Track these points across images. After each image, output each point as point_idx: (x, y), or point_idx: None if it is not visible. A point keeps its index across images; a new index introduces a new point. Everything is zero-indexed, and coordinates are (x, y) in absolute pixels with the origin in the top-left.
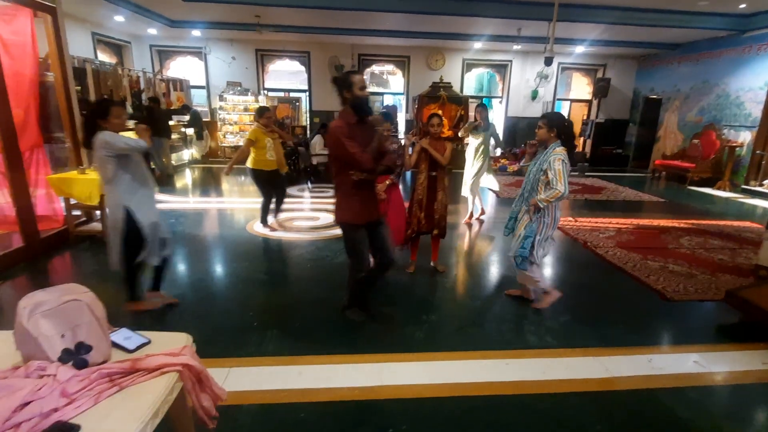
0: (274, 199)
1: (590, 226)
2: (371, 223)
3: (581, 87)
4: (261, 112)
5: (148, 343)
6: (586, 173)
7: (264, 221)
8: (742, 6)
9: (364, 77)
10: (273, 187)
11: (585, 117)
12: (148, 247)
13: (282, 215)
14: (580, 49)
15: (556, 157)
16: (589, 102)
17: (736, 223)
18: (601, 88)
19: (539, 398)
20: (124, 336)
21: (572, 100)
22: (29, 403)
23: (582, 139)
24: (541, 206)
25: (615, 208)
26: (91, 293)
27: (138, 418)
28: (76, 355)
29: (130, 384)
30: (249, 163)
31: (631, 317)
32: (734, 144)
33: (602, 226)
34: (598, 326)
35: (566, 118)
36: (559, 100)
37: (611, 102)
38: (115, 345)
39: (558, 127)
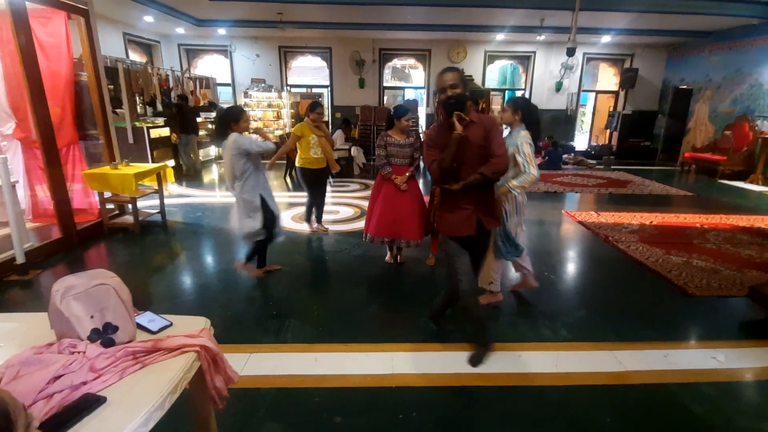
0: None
1: (613, 220)
2: (469, 239)
3: (608, 78)
4: (313, 107)
5: (170, 325)
6: (612, 167)
7: (308, 220)
8: None
9: (448, 76)
10: (319, 186)
11: (611, 108)
12: (277, 226)
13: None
14: (606, 38)
15: (524, 140)
16: (615, 93)
17: (767, 218)
18: (629, 79)
19: (550, 390)
20: (148, 319)
21: (598, 92)
22: (61, 376)
23: (608, 131)
24: (516, 193)
25: (640, 202)
26: (118, 278)
27: (158, 393)
28: (104, 335)
29: (152, 362)
30: (296, 162)
31: (649, 312)
32: None
33: (625, 221)
34: (615, 321)
35: (531, 103)
36: (584, 91)
37: (639, 93)
38: (140, 327)
39: (523, 109)
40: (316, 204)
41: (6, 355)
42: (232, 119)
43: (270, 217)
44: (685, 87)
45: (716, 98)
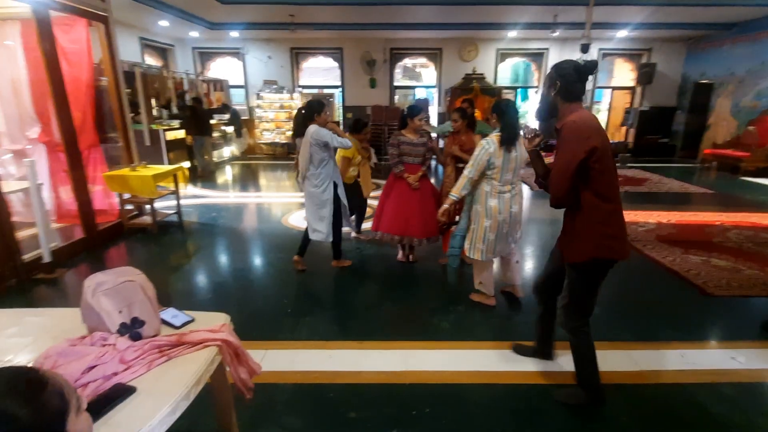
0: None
1: (629, 219)
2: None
3: (624, 73)
4: (358, 128)
5: (192, 321)
6: (628, 164)
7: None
8: None
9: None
10: (358, 196)
11: (628, 105)
12: (348, 217)
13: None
14: (622, 33)
15: (482, 142)
16: (632, 89)
17: None
18: (646, 74)
19: (562, 388)
20: (171, 314)
21: (614, 88)
22: (94, 367)
23: (624, 128)
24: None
25: (658, 200)
26: (143, 275)
27: (183, 384)
28: (132, 329)
29: (176, 355)
30: None
31: (665, 312)
32: None
33: (641, 219)
34: (630, 320)
35: (511, 104)
36: (599, 88)
37: (657, 88)
38: (164, 322)
39: (498, 111)
40: (356, 213)
41: (40, 347)
42: (315, 111)
43: (337, 208)
44: (705, 81)
45: (739, 92)
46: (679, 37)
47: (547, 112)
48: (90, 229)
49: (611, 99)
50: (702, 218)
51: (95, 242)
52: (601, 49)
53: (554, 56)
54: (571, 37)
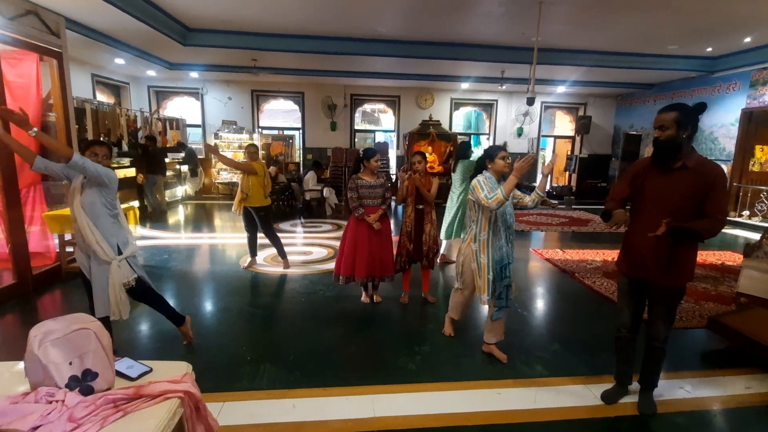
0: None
1: (578, 257)
2: (641, 280)
3: (564, 124)
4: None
5: (150, 371)
6: (573, 206)
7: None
8: (709, 49)
9: (659, 117)
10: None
11: (569, 152)
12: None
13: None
14: (561, 89)
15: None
16: (572, 138)
17: (718, 253)
18: (583, 125)
19: (530, 427)
20: (126, 365)
21: (556, 137)
22: (39, 427)
23: (567, 173)
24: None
25: (602, 239)
26: (98, 322)
27: None
28: (83, 382)
29: (134, 410)
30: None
31: None
32: None
33: (589, 258)
34: (587, 355)
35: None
36: (543, 136)
37: (593, 138)
38: (119, 373)
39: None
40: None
41: None
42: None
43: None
44: (634, 133)
45: None
46: (609, 93)
47: (679, 153)
48: (23, 274)
49: (554, 146)
50: None
51: (28, 288)
52: (543, 102)
53: (503, 107)
54: (517, 91)
